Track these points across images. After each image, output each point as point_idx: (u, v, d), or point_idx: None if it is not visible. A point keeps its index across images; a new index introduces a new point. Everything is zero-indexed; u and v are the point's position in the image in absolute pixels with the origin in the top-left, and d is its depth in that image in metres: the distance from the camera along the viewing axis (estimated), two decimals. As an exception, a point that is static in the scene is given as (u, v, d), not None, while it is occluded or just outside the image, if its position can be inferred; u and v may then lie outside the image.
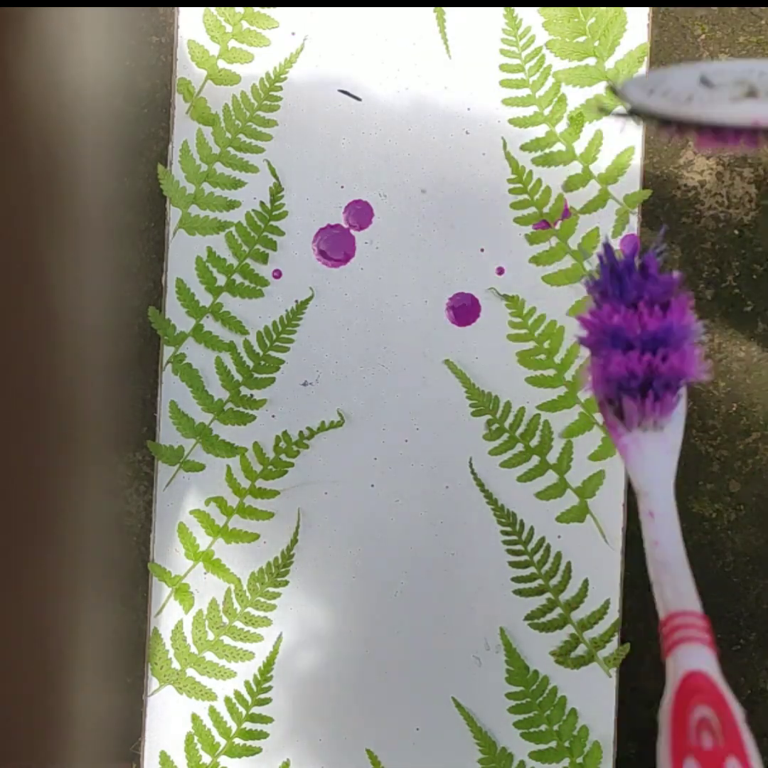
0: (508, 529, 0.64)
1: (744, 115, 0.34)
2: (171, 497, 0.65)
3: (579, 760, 0.64)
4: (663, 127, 0.36)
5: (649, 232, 0.65)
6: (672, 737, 0.33)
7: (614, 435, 0.39)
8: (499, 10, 0.64)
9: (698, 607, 0.35)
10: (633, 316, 0.38)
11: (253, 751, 0.65)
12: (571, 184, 0.65)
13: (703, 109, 0.35)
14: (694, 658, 0.34)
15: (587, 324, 0.40)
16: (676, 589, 0.36)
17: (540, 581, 0.64)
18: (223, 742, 0.65)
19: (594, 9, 0.64)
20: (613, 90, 0.37)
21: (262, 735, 0.65)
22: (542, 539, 0.65)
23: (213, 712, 0.65)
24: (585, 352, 0.40)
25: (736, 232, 0.66)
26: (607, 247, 0.41)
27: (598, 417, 0.65)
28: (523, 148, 0.65)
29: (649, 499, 0.38)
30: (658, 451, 0.38)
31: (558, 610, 0.64)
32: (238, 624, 0.65)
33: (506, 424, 0.65)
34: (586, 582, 0.64)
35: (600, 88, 0.65)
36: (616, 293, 0.39)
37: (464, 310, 0.65)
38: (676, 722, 0.33)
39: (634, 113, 0.36)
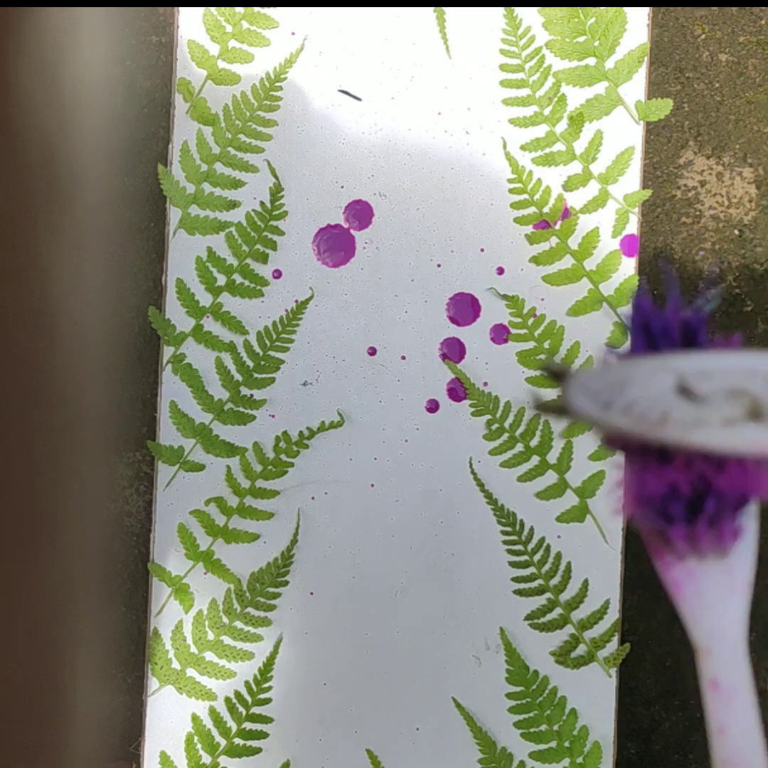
0: (508, 529, 0.64)
1: (747, 445, 0.25)
2: (171, 497, 0.65)
3: (579, 760, 0.64)
4: (625, 447, 0.28)
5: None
6: None
7: (662, 566, 0.29)
8: (499, 10, 0.64)
9: None
10: None
11: (253, 751, 0.65)
12: (571, 184, 0.65)
13: (684, 435, 0.26)
14: None
15: None
16: None
17: (540, 581, 0.64)
18: (223, 742, 0.65)
19: (594, 9, 0.64)
20: (554, 376, 0.28)
21: (262, 735, 0.65)
22: (542, 539, 0.65)
23: (213, 712, 0.65)
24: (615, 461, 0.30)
25: (736, 232, 0.66)
26: (642, 299, 0.30)
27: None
28: (523, 148, 0.65)
29: (713, 659, 0.28)
30: (721, 589, 0.28)
31: (558, 610, 0.64)
32: (238, 624, 0.65)
33: (506, 424, 0.65)
34: (586, 582, 0.64)
35: (600, 88, 0.65)
36: None
37: (464, 310, 0.65)
38: None
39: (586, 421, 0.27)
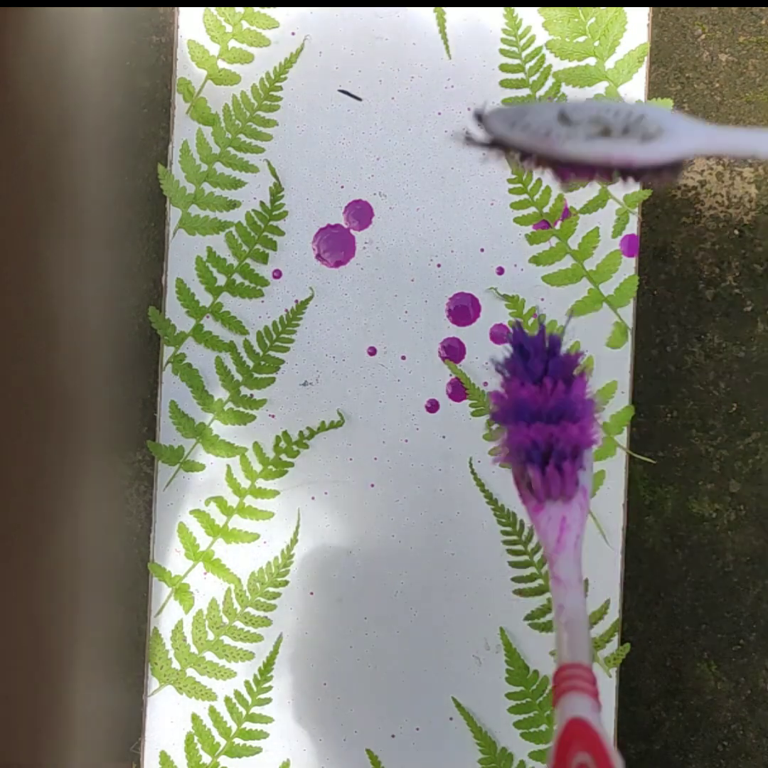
0: (508, 529, 0.64)
1: (597, 152, 0.36)
2: (171, 497, 0.65)
3: (579, 760, 0.64)
4: (523, 159, 0.38)
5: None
6: None
7: (526, 504, 0.42)
8: (499, 10, 0.64)
9: (588, 661, 0.38)
10: (538, 391, 0.41)
11: (253, 751, 0.65)
12: (571, 184, 0.65)
13: (559, 144, 0.37)
14: (578, 706, 0.36)
15: (497, 398, 0.43)
16: (572, 645, 0.38)
17: (540, 581, 0.64)
18: (223, 742, 0.65)
19: (594, 9, 0.64)
20: (478, 118, 0.38)
21: (262, 735, 0.65)
22: (542, 539, 0.65)
23: (213, 712, 0.65)
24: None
25: (736, 232, 0.66)
26: (517, 328, 0.43)
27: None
28: (523, 148, 0.65)
29: (556, 566, 0.40)
30: (563, 521, 0.41)
31: (558, 610, 0.64)
32: (238, 624, 0.65)
33: (506, 424, 0.65)
34: (586, 582, 0.64)
35: (600, 87, 0.65)
36: (524, 370, 0.41)
37: (464, 310, 0.65)
38: (558, 765, 0.35)
39: (496, 144, 0.38)
